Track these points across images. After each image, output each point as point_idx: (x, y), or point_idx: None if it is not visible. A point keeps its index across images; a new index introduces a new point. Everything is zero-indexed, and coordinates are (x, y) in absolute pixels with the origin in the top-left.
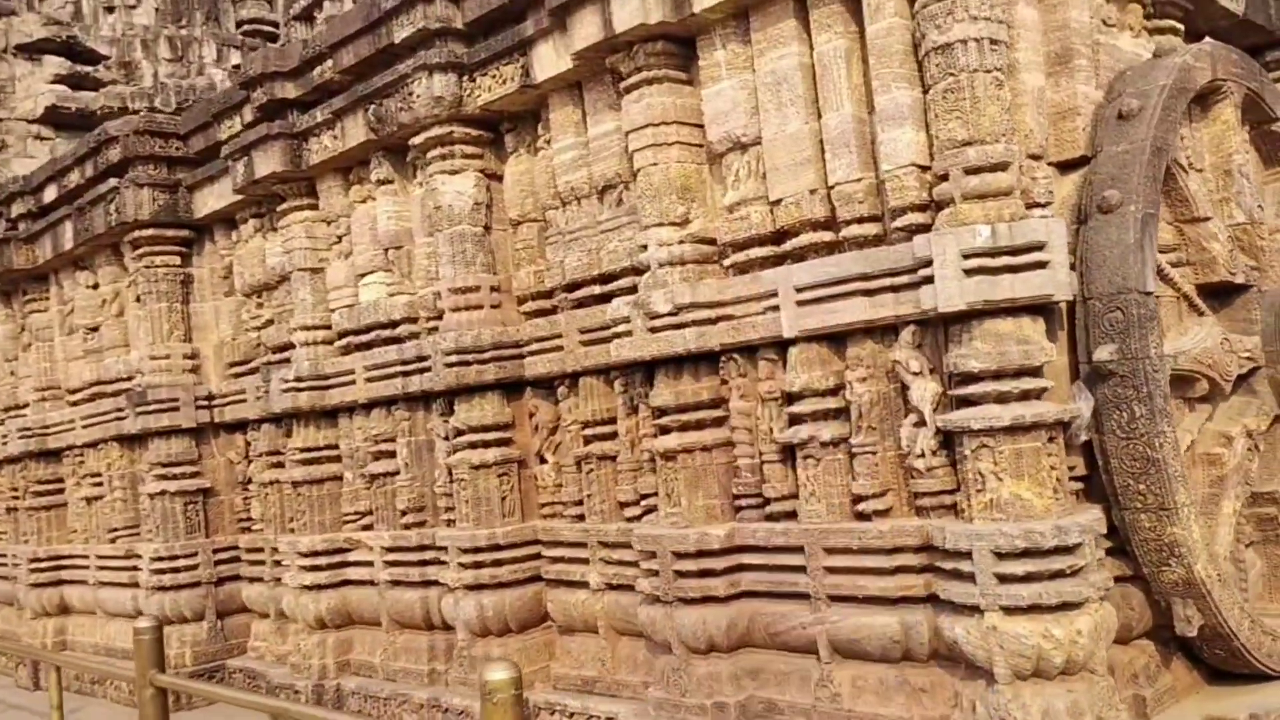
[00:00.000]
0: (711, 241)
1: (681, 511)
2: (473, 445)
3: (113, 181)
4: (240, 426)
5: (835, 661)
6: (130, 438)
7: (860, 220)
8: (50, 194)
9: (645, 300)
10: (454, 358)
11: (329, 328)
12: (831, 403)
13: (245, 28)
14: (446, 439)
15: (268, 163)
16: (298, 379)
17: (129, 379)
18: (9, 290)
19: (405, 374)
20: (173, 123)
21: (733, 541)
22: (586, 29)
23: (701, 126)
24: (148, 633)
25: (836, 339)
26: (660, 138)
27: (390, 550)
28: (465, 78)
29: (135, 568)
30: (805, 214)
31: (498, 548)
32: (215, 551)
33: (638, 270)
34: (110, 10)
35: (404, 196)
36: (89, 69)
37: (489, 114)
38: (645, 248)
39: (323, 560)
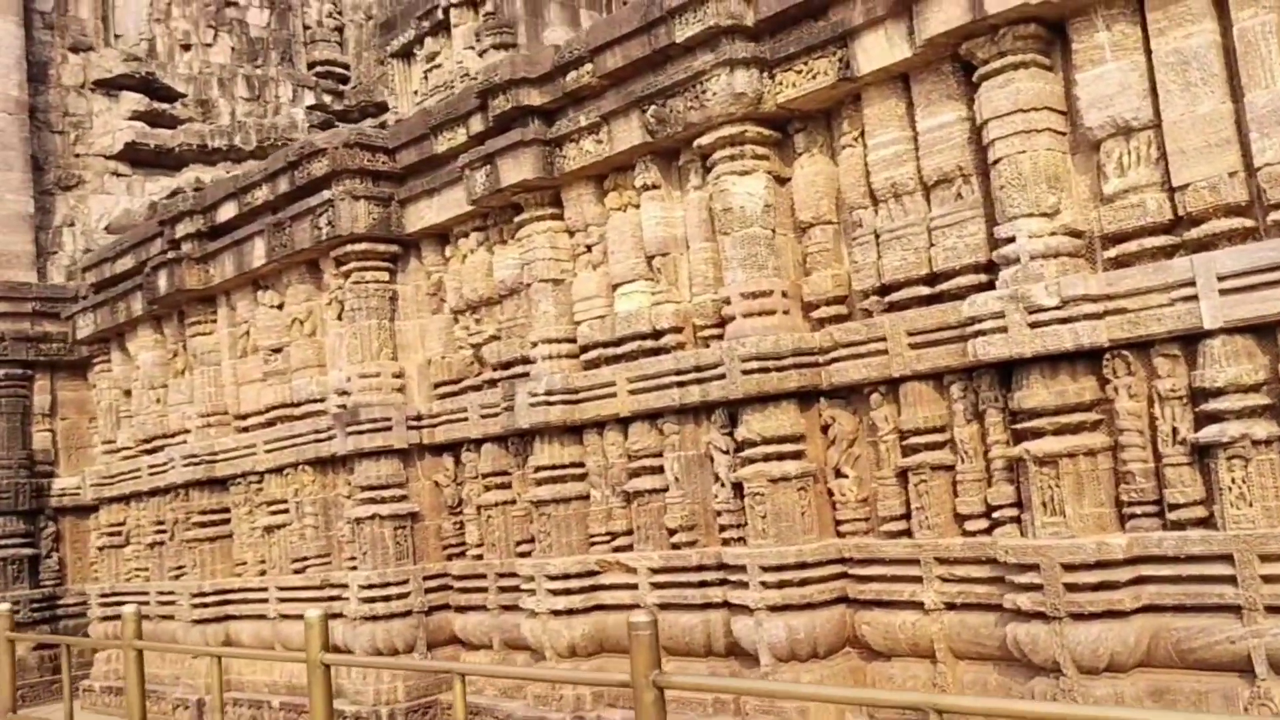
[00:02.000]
0: (1079, 233)
1: (1065, 521)
2: (768, 458)
3: (325, 194)
4: (449, 448)
5: (1272, 678)
6: (326, 461)
7: None
8: (227, 211)
9: (1024, 294)
10: (753, 364)
11: (573, 340)
12: (1260, 398)
13: (318, 69)
14: (728, 452)
15: (517, 170)
16: (548, 393)
17: (321, 400)
18: (160, 315)
19: (681, 384)
20: (381, 136)
21: (1133, 551)
22: (947, 12)
23: (1063, 113)
24: (646, 627)
25: (1264, 330)
26: (1030, 124)
27: (660, 571)
28: (765, 74)
29: (331, 598)
30: (1221, 198)
31: (804, 566)
32: (425, 579)
33: (979, 267)
34: (186, 48)
35: (670, 202)
36: (166, 106)
37: (782, 113)
38: (1011, 240)
39: (574, 584)
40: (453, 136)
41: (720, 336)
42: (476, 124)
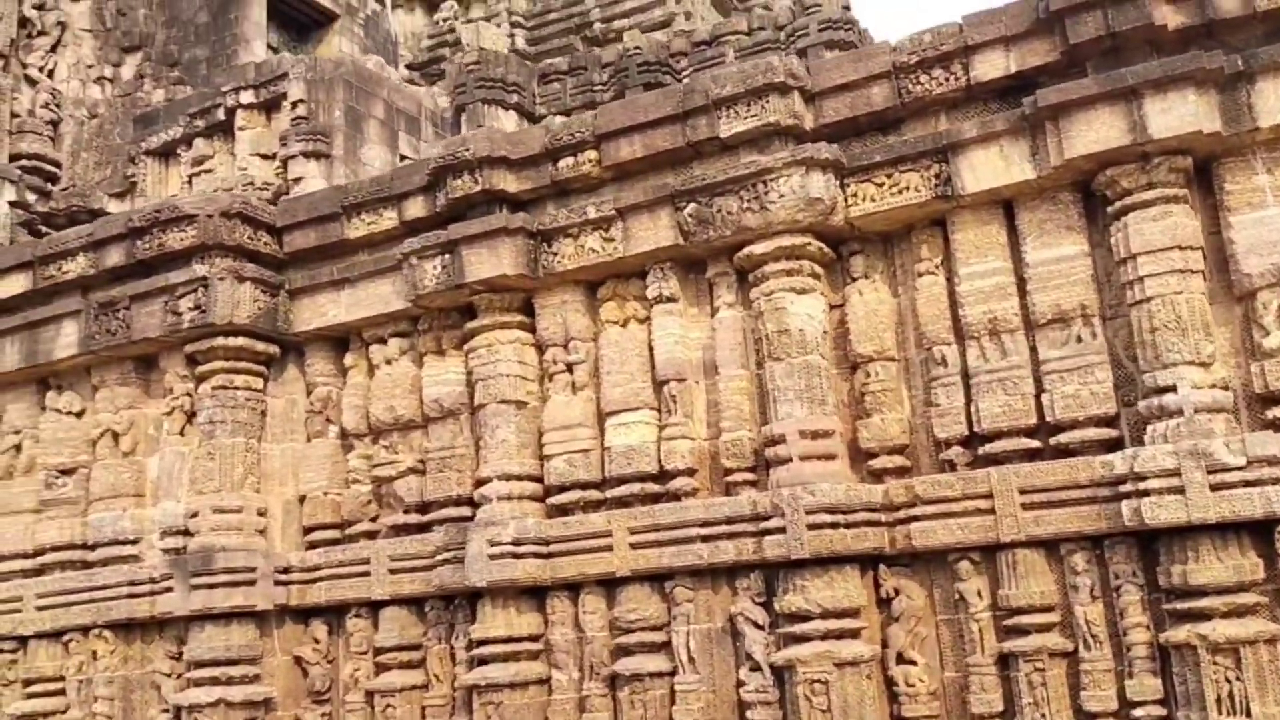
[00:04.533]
0: (1226, 386)
1: None
2: (828, 635)
3: (195, 271)
4: (322, 612)
5: None
6: (138, 625)
7: None
8: (10, 285)
9: (1204, 450)
10: (823, 517)
11: (538, 479)
12: None
13: (23, 162)
14: (763, 627)
15: (490, 264)
16: (515, 542)
17: (135, 541)
18: None
19: (708, 538)
20: (269, 211)
21: None
22: (1097, 133)
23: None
24: None
25: None
26: (1186, 263)
27: None
28: (839, 181)
29: None
30: None
31: None
32: None
33: (1107, 420)
34: None
35: (688, 319)
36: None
37: (843, 229)
38: (1167, 389)
39: None
40: (375, 220)
41: (755, 484)
42: (415, 208)
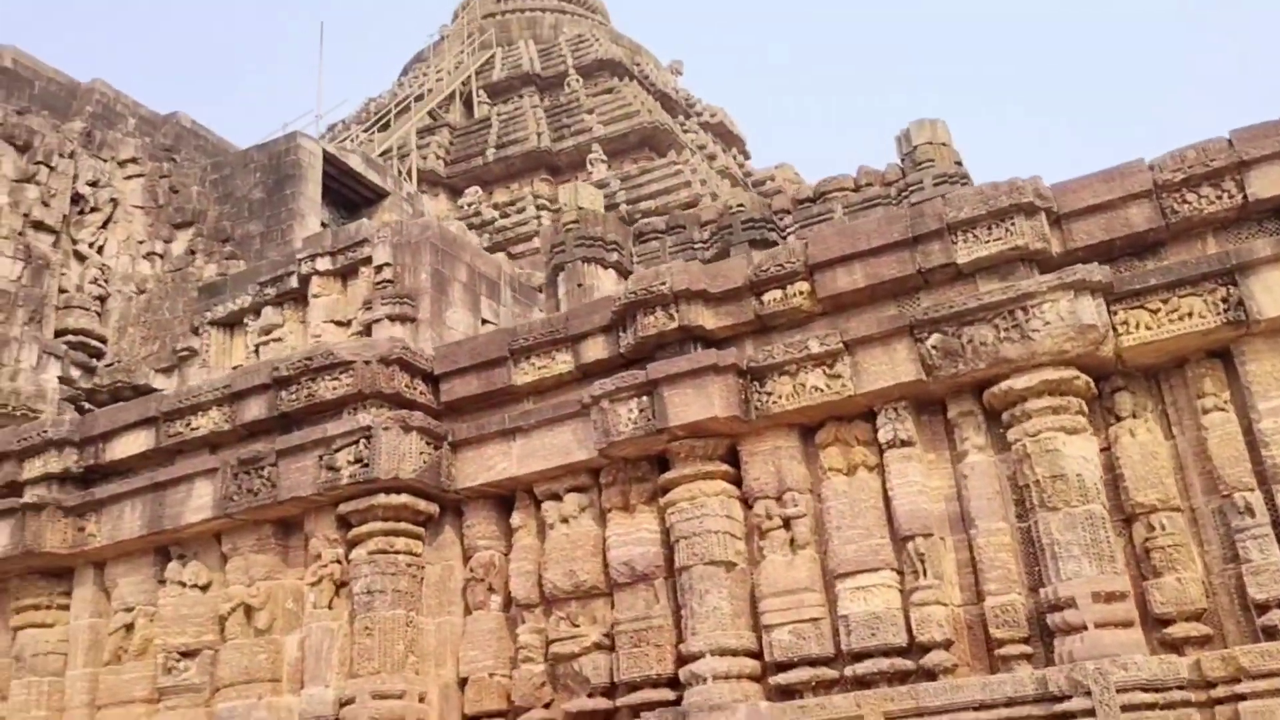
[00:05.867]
0: None
1: None
2: None
3: (358, 420)
4: None
5: None
6: None
7: None
8: (128, 445)
9: None
10: (1140, 695)
11: (756, 654)
12: None
13: (69, 338)
14: None
15: (697, 406)
16: None
17: None
18: None
19: None
20: (426, 358)
21: None
22: None
23: None
24: None
25: None
26: None
27: None
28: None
29: None
30: None
31: None
32: None
33: None
34: None
35: (927, 464)
36: None
37: (1106, 363)
38: None
39: None
40: (546, 365)
41: (1029, 657)
42: (595, 349)
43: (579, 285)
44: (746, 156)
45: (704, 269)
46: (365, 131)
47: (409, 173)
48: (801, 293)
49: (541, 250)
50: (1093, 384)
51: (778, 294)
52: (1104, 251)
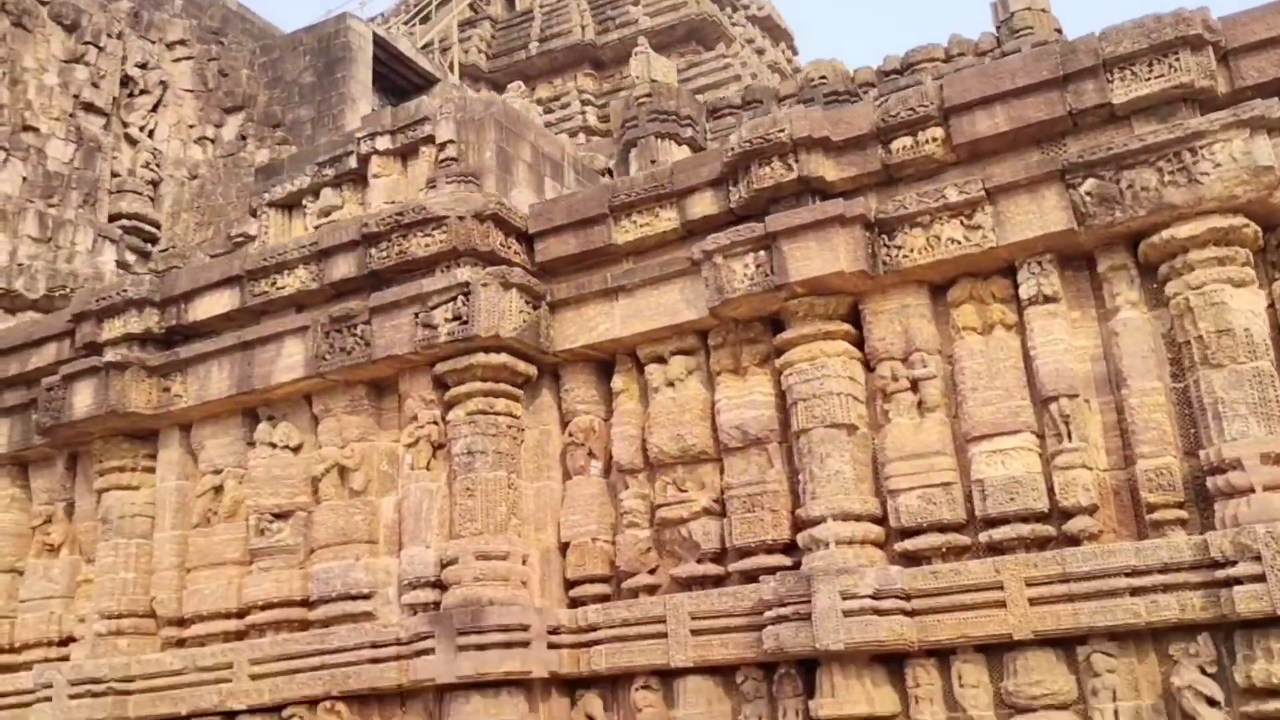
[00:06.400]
0: None
1: None
2: None
3: (454, 276)
4: (593, 683)
5: None
6: (376, 698)
7: None
8: (212, 304)
9: None
10: None
11: (879, 519)
12: None
13: (123, 222)
14: (1216, 703)
15: (820, 260)
16: (875, 595)
17: (368, 596)
18: (29, 460)
19: (1137, 591)
20: (520, 215)
21: None
22: None
23: None
24: None
25: None
26: None
27: None
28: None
29: None
30: None
31: None
32: None
33: None
34: None
35: (1072, 322)
36: None
37: (1275, 210)
38: None
39: None
40: (649, 222)
41: (1184, 523)
42: (702, 205)
43: (652, 161)
44: (795, 52)
45: (825, 115)
46: (406, 24)
47: (450, 67)
48: (935, 139)
49: (612, 127)
50: (1260, 234)
51: (907, 140)
52: (1275, 91)
